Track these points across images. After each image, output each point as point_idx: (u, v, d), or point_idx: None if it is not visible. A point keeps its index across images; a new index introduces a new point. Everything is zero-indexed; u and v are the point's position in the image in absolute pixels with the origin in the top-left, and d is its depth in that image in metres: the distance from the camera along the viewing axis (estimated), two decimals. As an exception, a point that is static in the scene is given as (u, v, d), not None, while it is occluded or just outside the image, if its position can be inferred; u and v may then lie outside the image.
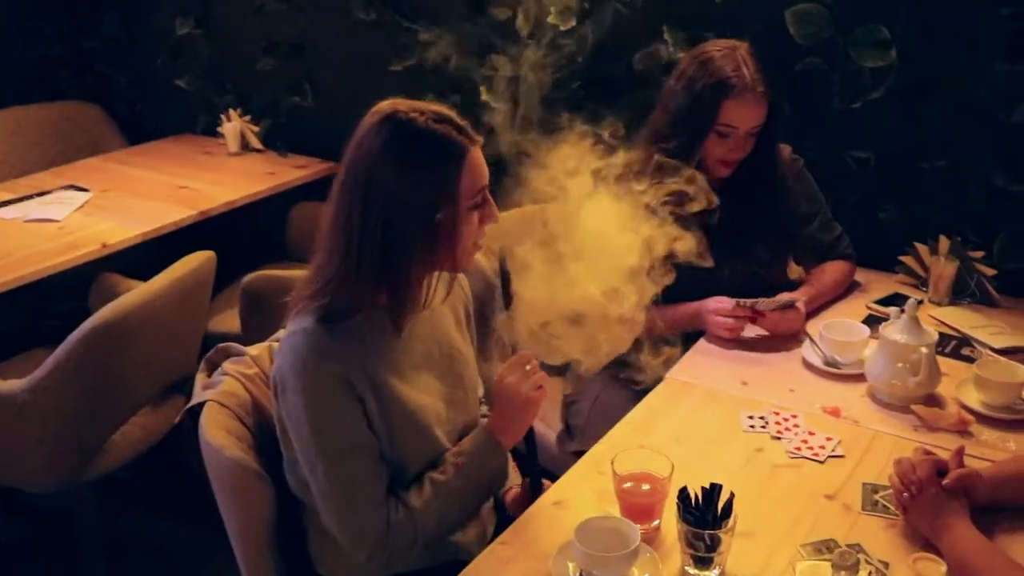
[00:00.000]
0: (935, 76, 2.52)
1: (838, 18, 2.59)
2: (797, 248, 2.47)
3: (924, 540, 1.61)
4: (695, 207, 2.28)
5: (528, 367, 1.77)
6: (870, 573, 1.55)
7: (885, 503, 1.72)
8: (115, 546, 2.84)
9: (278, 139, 3.72)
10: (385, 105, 1.62)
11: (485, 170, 1.64)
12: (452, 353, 1.84)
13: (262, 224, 3.57)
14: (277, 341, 2.02)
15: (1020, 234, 2.53)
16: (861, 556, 1.59)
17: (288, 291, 2.88)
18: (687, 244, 2.13)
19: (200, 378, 1.99)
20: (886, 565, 1.57)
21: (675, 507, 1.58)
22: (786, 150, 2.43)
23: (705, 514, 1.54)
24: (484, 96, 3.08)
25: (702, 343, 2.31)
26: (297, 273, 2.96)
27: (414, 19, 3.25)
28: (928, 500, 1.61)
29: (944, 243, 2.48)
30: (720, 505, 1.55)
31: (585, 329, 1.79)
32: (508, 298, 1.84)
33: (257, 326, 2.94)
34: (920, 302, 2.41)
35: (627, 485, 1.66)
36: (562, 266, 1.81)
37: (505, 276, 1.82)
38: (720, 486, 1.57)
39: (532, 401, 1.76)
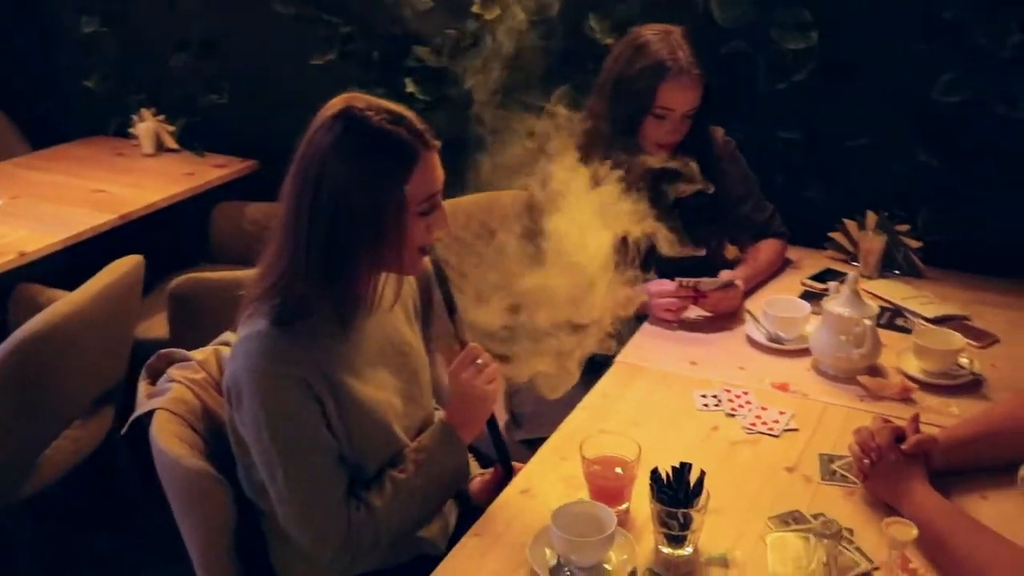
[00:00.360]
0: (857, 57, 2.59)
1: (761, 1, 2.64)
2: (733, 228, 2.51)
3: (884, 506, 1.66)
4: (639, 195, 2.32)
5: (480, 361, 1.76)
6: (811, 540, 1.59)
7: (843, 472, 1.76)
8: (51, 563, 2.74)
9: (194, 138, 3.62)
10: (340, 100, 1.58)
11: (438, 175, 1.62)
12: (404, 349, 1.83)
13: (182, 226, 3.47)
14: (224, 344, 1.98)
15: (942, 207, 2.62)
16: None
17: (217, 293, 2.86)
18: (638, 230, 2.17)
19: (143, 386, 1.93)
20: (851, 532, 1.61)
21: (643, 489, 1.60)
22: (719, 132, 2.47)
23: (677, 493, 1.55)
24: (410, 88, 3.05)
25: (647, 326, 2.33)
26: (227, 275, 2.92)
27: (335, 12, 3.19)
28: (888, 466, 1.65)
29: (872, 218, 2.56)
30: (691, 483, 1.57)
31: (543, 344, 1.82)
32: (450, 304, 1.84)
33: (187, 331, 2.86)
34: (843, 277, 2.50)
35: (595, 469, 1.67)
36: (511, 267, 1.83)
37: (442, 281, 1.82)
38: (690, 465, 1.59)
39: (487, 395, 1.76)
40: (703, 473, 1.57)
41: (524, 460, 1.91)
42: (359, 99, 1.58)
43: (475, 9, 2.95)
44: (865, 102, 2.62)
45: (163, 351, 1.98)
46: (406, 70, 3.11)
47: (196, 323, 2.90)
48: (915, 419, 1.73)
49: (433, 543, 1.83)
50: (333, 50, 3.20)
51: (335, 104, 1.57)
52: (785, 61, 2.66)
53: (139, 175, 3.41)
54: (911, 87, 2.56)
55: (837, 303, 2.07)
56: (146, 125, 3.57)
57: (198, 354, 1.95)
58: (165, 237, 3.40)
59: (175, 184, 3.30)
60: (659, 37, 2.27)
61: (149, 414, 1.80)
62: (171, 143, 3.62)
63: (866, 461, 1.68)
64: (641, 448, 1.66)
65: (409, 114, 1.59)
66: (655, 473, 1.59)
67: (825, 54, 2.61)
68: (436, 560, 1.80)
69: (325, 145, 1.54)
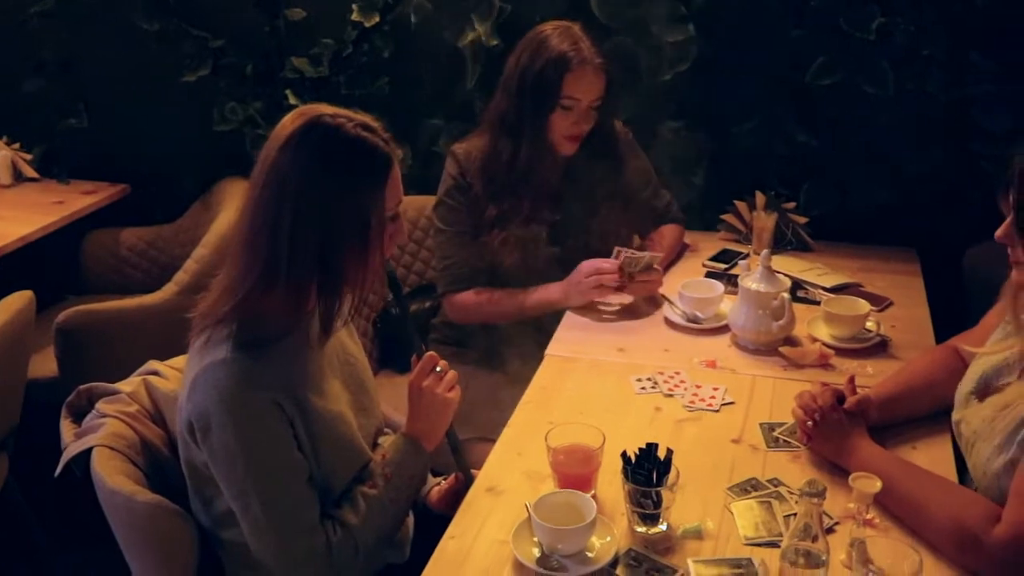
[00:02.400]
0: (734, 45, 2.71)
1: (637, -1, 2.74)
2: (638, 217, 2.58)
3: (829, 465, 1.76)
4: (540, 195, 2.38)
5: (438, 368, 1.77)
6: (796, 503, 1.68)
7: (785, 438, 1.86)
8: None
9: (55, 166, 3.44)
10: (304, 110, 1.56)
11: (401, 184, 1.63)
12: (348, 359, 1.82)
13: (45, 259, 3.30)
14: (152, 374, 1.91)
15: (821, 183, 2.78)
16: (782, 488, 1.72)
17: (107, 325, 2.74)
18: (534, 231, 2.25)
19: (66, 425, 1.84)
20: (806, 492, 1.70)
21: (606, 475, 1.65)
22: (618, 123, 2.54)
23: (650, 473, 1.60)
24: (292, 100, 3.00)
25: (568, 319, 2.38)
26: (116, 305, 2.80)
27: (203, 26, 3.10)
28: (832, 426, 1.75)
29: (761, 198, 2.69)
30: (658, 464, 1.62)
31: None
32: (405, 314, 1.87)
33: (79, 366, 2.73)
34: (746, 256, 2.63)
35: (561, 459, 1.70)
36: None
37: (398, 290, 1.86)
38: (656, 445, 1.64)
39: (448, 402, 1.78)
40: (670, 451, 1.63)
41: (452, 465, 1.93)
42: (321, 109, 1.56)
43: (354, 17, 2.92)
44: (744, 88, 2.75)
45: (83, 387, 1.89)
46: (284, 82, 3.05)
47: (86, 357, 2.77)
48: (851, 380, 1.85)
49: (396, 552, 1.82)
50: (204, 66, 3.11)
51: (299, 117, 1.55)
52: (665, 53, 2.76)
53: (1, 208, 3.21)
54: (786, 72, 2.70)
55: (753, 280, 2.17)
56: (1, 155, 3.36)
57: (125, 386, 1.88)
58: (31, 272, 3.22)
59: (46, 214, 3.13)
60: (559, 31, 2.33)
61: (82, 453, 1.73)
62: (30, 172, 3.43)
63: (809, 423, 1.78)
64: (606, 436, 1.70)
65: (375, 122, 1.58)
66: (625, 455, 1.63)
67: (704, 45, 2.72)
68: (401, 569, 1.81)
69: (303, 157, 1.51)
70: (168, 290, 2.81)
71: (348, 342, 1.82)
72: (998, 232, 1.60)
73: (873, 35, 2.57)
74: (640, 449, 1.64)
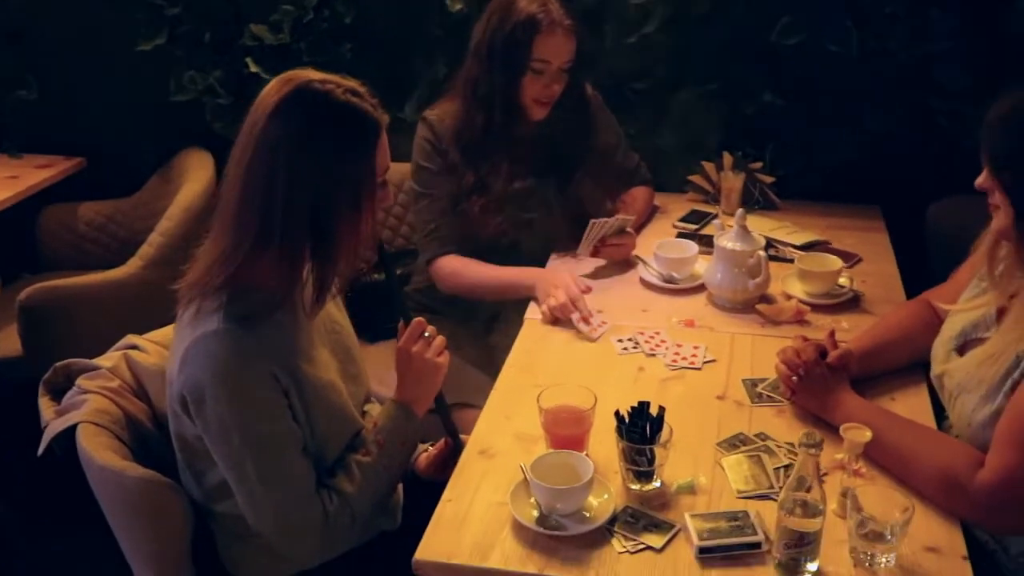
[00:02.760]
0: (699, 7, 2.72)
1: (602, -41, 2.73)
2: (609, 178, 2.59)
3: (814, 418, 1.80)
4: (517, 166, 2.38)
5: (426, 333, 1.77)
6: (785, 456, 1.71)
7: (769, 393, 1.89)
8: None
9: (5, 140, 3.35)
10: (291, 76, 1.54)
11: (388, 150, 1.62)
12: (335, 327, 1.81)
13: (3, 236, 3.22)
14: (131, 348, 1.88)
15: (787, 142, 2.81)
16: (769, 442, 1.75)
17: (72, 301, 2.68)
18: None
19: (45, 403, 1.82)
20: (792, 444, 1.74)
21: (597, 435, 1.68)
22: (587, 86, 2.54)
23: (644, 431, 1.62)
24: (253, 68, 2.95)
25: (542, 284, 2.38)
26: (80, 280, 2.75)
27: (158, -7, 3.03)
28: (816, 380, 1.79)
29: (728, 159, 2.71)
30: (651, 421, 1.64)
31: None
32: (392, 285, 1.87)
33: (43, 344, 2.69)
34: (715, 216, 2.66)
35: (554, 419, 1.71)
36: None
37: (388, 262, 1.87)
38: (648, 403, 1.66)
39: (438, 367, 1.78)
40: (662, 409, 1.65)
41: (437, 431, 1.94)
42: (308, 75, 1.54)
43: (314, -20, 2.88)
44: (711, 49, 2.76)
45: (59, 364, 1.86)
46: (244, 50, 2.99)
47: (51, 334, 2.72)
48: (832, 335, 1.88)
49: (388, 518, 1.83)
50: (160, 34, 3.04)
51: (287, 83, 1.52)
52: (630, 16, 2.76)
53: (-50, 185, 3.12)
54: (752, 32, 2.72)
55: (729, 239, 2.19)
56: (-52, 130, 3.27)
57: (105, 361, 1.86)
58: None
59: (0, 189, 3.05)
60: None
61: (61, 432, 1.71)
62: (-22, 147, 3.33)
63: (794, 378, 1.81)
64: (597, 396, 1.72)
65: (362, 87, 1.57)
66: (618, 414, 1.65)
67: (669, 6, 2.72)
68: (393, 535, 1.81)
69: (294, 124, 1.50)
70: (133, 264, 2.77)
71: (333, 310, 1.82)
72: (977, 180, 1.64)
73: (837, -6, 2.60)
74: (632, 407, 1.66)
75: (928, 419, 1.81)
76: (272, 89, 1.53)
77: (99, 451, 1.64)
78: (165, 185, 3.15)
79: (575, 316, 2.14)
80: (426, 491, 1.85)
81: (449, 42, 2.86)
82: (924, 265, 2.67)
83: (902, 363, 1.94)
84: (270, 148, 1.50)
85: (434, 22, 2.88)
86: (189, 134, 3.15)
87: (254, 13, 3.00)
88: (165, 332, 1.94)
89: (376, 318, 2.48)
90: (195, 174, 2.96)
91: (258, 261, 1.53)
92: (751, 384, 1.92)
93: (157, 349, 1.89)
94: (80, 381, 1.80)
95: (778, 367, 1.85)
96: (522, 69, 2.31)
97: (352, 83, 1.57)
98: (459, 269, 2.42)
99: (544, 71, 2.32)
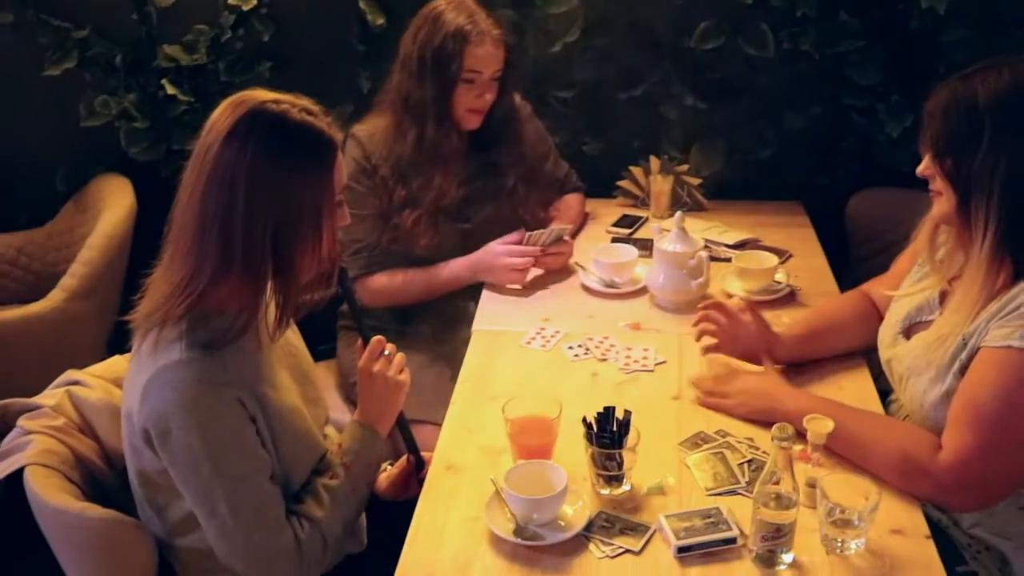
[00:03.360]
0: (620, 14, 2.76)
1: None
2: (541, 187, 2.60)
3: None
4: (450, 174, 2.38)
5: (386, 352, 1.76)
6: (747, 449, 1.75)
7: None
8: None
9: (-97, 173, 3.19)
10: (242, 98, 1.51)
11: (344, 167, 1.61)
12: (291, 351, 1.79)
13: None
14: (75, 383, 1.82)
15: (709, 144, 2.87)
16: (730, 438, 1.79)
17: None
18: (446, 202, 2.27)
19: (-18, 447, 1.74)
20: (751, 439, 1.78)
21: (561, 443, 1.71)
22: (516, 96, 2.55)
23: (613, 436, 1.64)
24: (170, 90, 2.88)
25: (485, 295, 2.39)
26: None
27: (64, 16, 2.93)
28: (755, 384, 1.85)
29: (655, 163, 2.76)
30: (619, 426, 1.66)
31: None
32: (354, 308, 1.87)
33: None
34: (646, 220, 2.70)
35: (520, 430, 1.71)
36: None
37: (346, 283, 1.85)
38: (613, 408, 1.68)
39: (400, 385, 1.78)
40: (628, 413, 1.67)
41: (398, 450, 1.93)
42: (260, 96, 1.51)
43: (231, 1, 2.82)
44: (632, 55, 2.80)
45: (-1, 403, 1.78)
46: (159, 72, 2.92)
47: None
48: (751, 303, 2.01)
49: (354, 541, 1.80)
50: (69, 58, 2.94)
51: (239, 106, 1.49)
52: (551, 25, 2.79)
53: None
54: (672, 38, 2.77)
55: (668, 242, 2.23)
56: None
57: (47, 399, 1.79)
58: None
59: (-96, 226, 2.91)
60: (453, 5, 2.32)
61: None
62: None
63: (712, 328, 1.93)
64: (561, 405, 1.72)
65: (315, 105, 1.55)
66: (586, 420, 1.66)
67: (589, 14, 2.76)
68: (361, 557, 1.79)
69: (251, 148, 1.47)
70: (55, 296, 2.68)
71: (288, 332, 1.79)
72: (919, 168, 1.70)
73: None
74: (599, 413, 1.68)
75: (875, 405, 1.88)
76: (223, 113, 1.50)
77: (52, 493, 1.58)
78: (80, 214, 3.04)
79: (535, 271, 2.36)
80: (388, 511, 1.85)
81: (372, 56, 2.84)
82: (847, 256, 2.78)
83: (835, 351, 2.01)
84: (226, 173, 1.47)
85: (355, 37, 2.86)
86: (103, 160, 3.05)
87: (167, 34, 2.93)
88: (108, 365, 1.88)
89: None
90: (114, 200, 2.87)
91: (219, 287, 1.49)
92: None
93: (101, 383, 1.83)
94: (21, 422, 1.73)
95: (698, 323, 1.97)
96: (454, 80, 2.31)
97: (306, 102, 1.55)
98: (386, 285, 2.42)
99: (475, 81, 2.33)
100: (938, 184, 1.68)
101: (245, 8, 2.84)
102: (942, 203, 1.68)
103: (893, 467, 1.63)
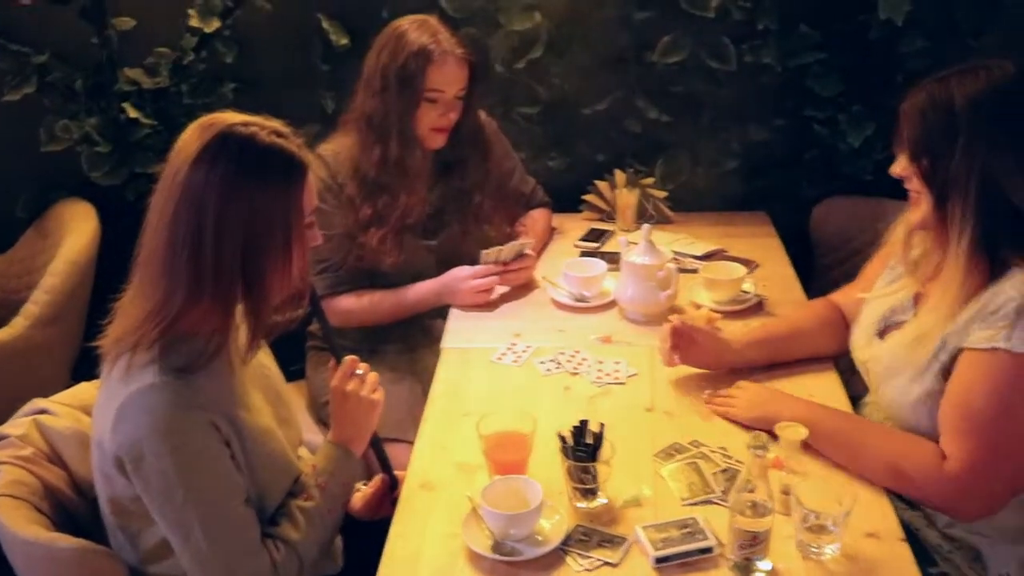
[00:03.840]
0: (583, 31, 2.78)
1: (482, -12, 2.76)
2: (507, 203, 2.61)
3: (740, 424, 1.85)
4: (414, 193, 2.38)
5: (359, 371, 1.75)
6: (721, 459, 1.76)
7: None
8: None
9: None
10: (211, 121, 1.51)
11: (315, 189, 1.60)
12: (263, 372, 1.78)
13: None
14: (42, 412, 1.79)
15: (673, 157, 2.89)
16: (704, 448, 1.80)
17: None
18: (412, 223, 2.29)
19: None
20: (725, 448, 1.79)
21: (535, 458, 1.71)
22: (481, 113, 2.56)
23: (588, 449, 1.64)
24: (132, 113, 2.86)
25: (454, 312, 2.38)
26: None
27: (22, 40, 2.90)
28: (757, 396, 1.87)
29: (621, 176, 2.78)
30: (594, 439, 1.67)
31: None
32: (327, 329, 1.84)
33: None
34: (613, 234, 2.72)
35: (494, 446, 1.71)
36: None
37: (317, 305, 1.83)
38: (587, 421, 1.68)
39: (374, 404, 1.77)
40: (603, 426, 1.67)
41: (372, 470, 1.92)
42: (229, 118, 1.50)
43: (192, 23, 2.81)
44: (596, 71, 2.82)
45: (-42, 436, 1.75)
46: (120, 95, 2.90)
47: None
48: (710, 320, 2.06)
49: (330, 562, 1.79)
50: (28, 83, 2.90)
51: (207, 129, 1.48)
52: (515, 42, 2.80)
53: None
54: (635, 52, 2.79)
55: (637, 254, 2.24)
56: None
57: (13, 428, 1.76)
58: None
59: None
60: (416, 25, 2.33)
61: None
62: None
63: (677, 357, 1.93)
64: (536, 420, 1.72)
65: (285, 127, 1.54)
66: (560, 435, 1.66)
67: (552, 31, 2.78)
68: (338, 578, 1.78)
69: (220, 171, 1.46)
70: (17, 324, 2.63)
71: (260, 354, 1.77)
72: (895, 169, 1.73)
73: (713, 13, 2.70)
74: (574, 427, 1.68)
75: (846, 409, 1.89)
76: (192, 136, 1.49)
77: (22, 525, 1.56)
78: (42, 240, 3.00)
79: (500, 288, 2.38)
80: (363, 531, 1.83)
81: (335, 77, 2.83)
82: (812, 265, 2.81)
83: (796, 355, 2.03)
84: (195, 196, 1.46)
85: (319, 57, 2.86)
86: (65, 185, 3.02)
87: (128, 57, 2.91)
88: (75, 393, 1.86)
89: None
90: (76, 226, 2.84)
91: (192, 311, 1.48)
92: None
93: (69, 411, 1.80)
94: (-11, 453, 1.70)
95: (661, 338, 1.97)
96: (417, 100, 2.31)
97: (275, 124, 1.54)
98: (353, 306, 2.41)
99: (439, 100, 2.33)
100: (915, 184, 1.70)
101: (207, 30, 2.83)
102: (920, 204, 1.70)
103: (893, 474, 1.64)
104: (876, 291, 1.90)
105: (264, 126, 1.52)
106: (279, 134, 1.53)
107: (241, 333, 1.58)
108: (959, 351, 1.63)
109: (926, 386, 1.67)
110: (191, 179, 1.46)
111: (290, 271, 1.54)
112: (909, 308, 1.81)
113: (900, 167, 1.72)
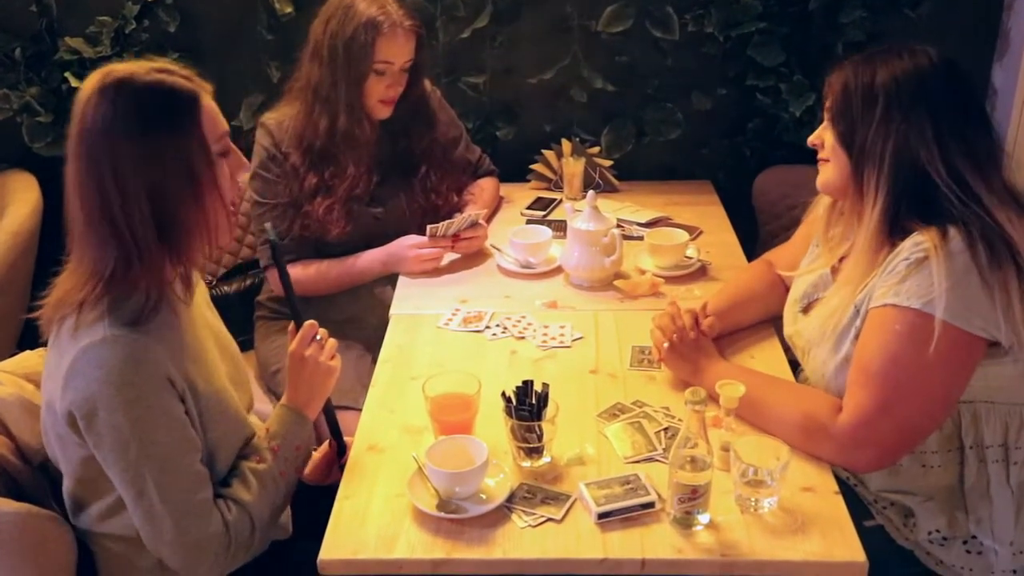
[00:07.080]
0: (527, 0, 2.79)
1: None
2: (454, 171, 2.62)
3: (683, 384, 1.89)
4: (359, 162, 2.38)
5: (318, 337, 1.75)
6: (663, 418, 1.79)
7: (648, 359, 1.97)
8: None
9: None
10: (99, 73, 1.47)
11: (221, 116, 1.56)
12: (215, 333, 1.77)
13: None
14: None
15: (619, 127, 2.92)
16: (647, 408, 1.83)
17: None
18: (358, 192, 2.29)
19: None
20: (668, 408, 1.83)
21: (481, 418, 1.74)
22: (427, 82, 2.56)
23: (532, 409, 1.67)
24: (74, 82, 2.82)
25: (403, 280, 2.39)
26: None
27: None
28: (689, 346, 1.88)
29: (567, 145, 2.80)
30: (538, 399, 1.69)
31: None
32: (288, 287, 1.80)
33: None
34: (560, 202, 2.74)
35: (440, 407, 1.73)
36: None
37: (280, 263, 1.80)
38: (532, 382, 1.71)
39: (331, 370, 1.76)
40: (546, 386, 1.70)
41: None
42: (111, 67, 1.48)
43: (128, -7, 2.78)
44: (541, 41, 2.83)
45: (-100, 406, 1.73)
46: (62, 65, 2.86)
47: None
48: (705, 306, 1.98)
49: (280, 528, 1.80)
50: (-34, 53, 2.86)
51: (93, 82, 1.46)
52: (459, 13, 2.81)
53: None
54: (580, 22, 2.81)
55: (582, 221, 2.26)
56: None
57: (-44, 396, 1.74)
58: None
59: None
60: None
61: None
62: None
63: (665, 344, 1.90)
64: (480, 381, 1.75)
65: (172, 64, 1.52)
66: (504, 395, 1.69)
67: (499, 1, 2.78)
68: (287, 544, 1.79)
69: (107, 120, 1.43)
70: (-41, 297, 2.60)
71: (211, 318, 1.77)
72: (811, 137, 1.81)
73: (656, -18, 2.73)
74: (517, 387, 1.70)
75: (785, 372, 1.94)
76: (81, 95, 1.47)
77: (-37, 491, 1.55)
78: (-17, 212, 2.97)
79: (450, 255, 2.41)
80: (312, 496, 1.84)
81: (280, 45, 2.82)
82: (755, 232, 2.86)
83: (754, 320, 2.07)
84: (89, 150, 1.44)
85: (263, 26, 2.84)
86: (6, 157, 2.98)
87: (68, 26, 2.87)
88: (18, 361, 1.84)
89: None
90: (18, 196, 2.80)
91: (128, 269, 1.47)
92: (639, 350, 2.00)
93: (12, 379, 1.78)
94: (-69, 420, 1.69)
95: (653, 332, 1.94)
96: (365, 71, 2.31)
97: (160, 63, 1.50)
98: (299, 277, 2.40)
99: (387, 72, 2.33)
100: (827, 152, 1.76)
101: (149, -1, 2.80)
102: (828, 169, 1.78)
103: (796, 428, 1.69)
104: (801, 269, 1.96)
105: (144, 66, 1.48)
106: (161, 70, 1.48)
107: (178, 283, 1.57)
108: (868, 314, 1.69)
109: (843, 353, 1.72)
110: (83, 134, 1.44)
111: (204, 208, 1.51)
112: (828, 283, 1.86)
113: (816, 134, 1.79)
